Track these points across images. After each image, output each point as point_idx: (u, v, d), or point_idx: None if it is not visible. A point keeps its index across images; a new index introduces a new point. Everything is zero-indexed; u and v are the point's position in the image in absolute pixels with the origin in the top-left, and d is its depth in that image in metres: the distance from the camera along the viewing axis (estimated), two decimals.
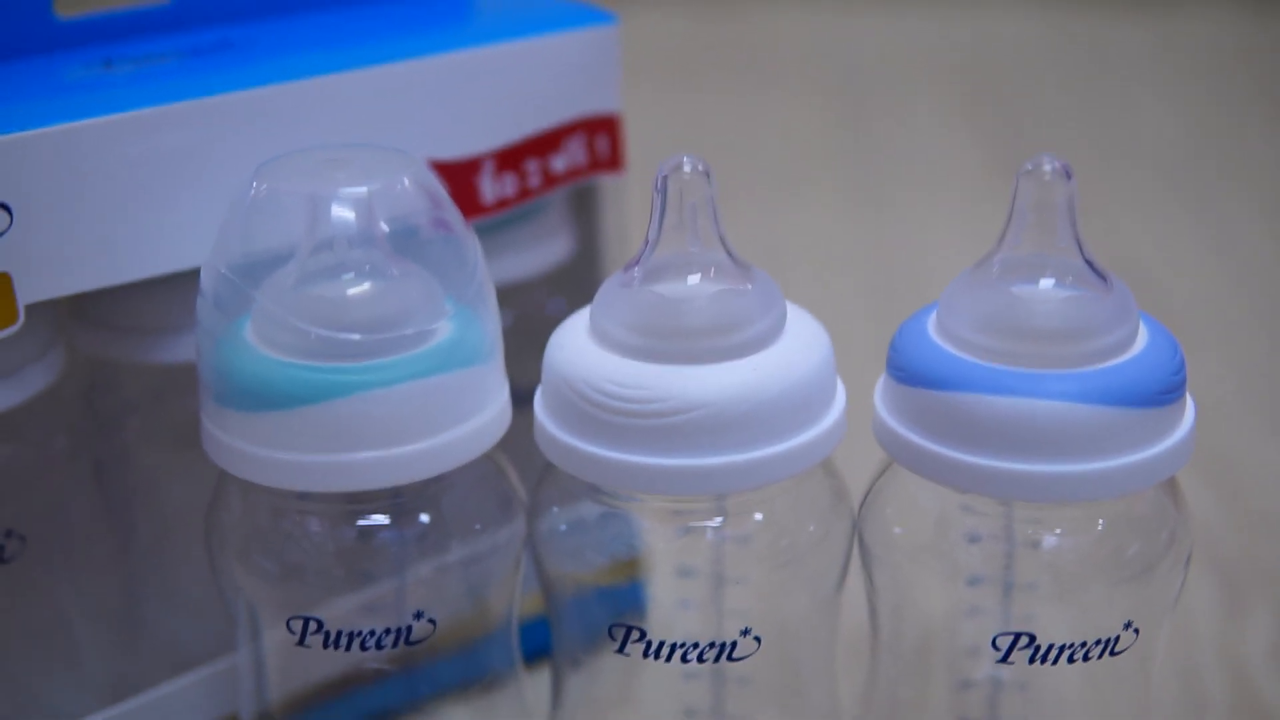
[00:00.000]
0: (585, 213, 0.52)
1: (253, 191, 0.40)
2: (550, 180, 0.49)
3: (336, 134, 0.44)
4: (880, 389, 0.41)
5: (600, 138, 0.49)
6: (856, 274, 0.82)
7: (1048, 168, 0.38)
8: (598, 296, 0.40)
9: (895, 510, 0.42)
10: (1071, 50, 1.17)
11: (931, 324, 0.40)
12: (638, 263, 0.40)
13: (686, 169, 0.39)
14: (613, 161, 0.50)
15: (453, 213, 0.41)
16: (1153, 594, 0.41)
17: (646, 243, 0.40)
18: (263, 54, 0.46)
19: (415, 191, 0.40)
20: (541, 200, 0.49)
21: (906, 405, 0.39)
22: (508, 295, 0.50)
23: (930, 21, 1.22)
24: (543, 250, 0.51)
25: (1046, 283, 0.39)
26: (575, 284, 0.51)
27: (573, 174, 0.49)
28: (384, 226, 0.39)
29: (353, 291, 0.39)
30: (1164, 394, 0.38)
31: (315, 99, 0.44)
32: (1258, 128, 1.02)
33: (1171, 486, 0.41)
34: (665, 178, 0.39)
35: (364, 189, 0.39)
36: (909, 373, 0.39)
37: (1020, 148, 0.98)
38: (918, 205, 0.91)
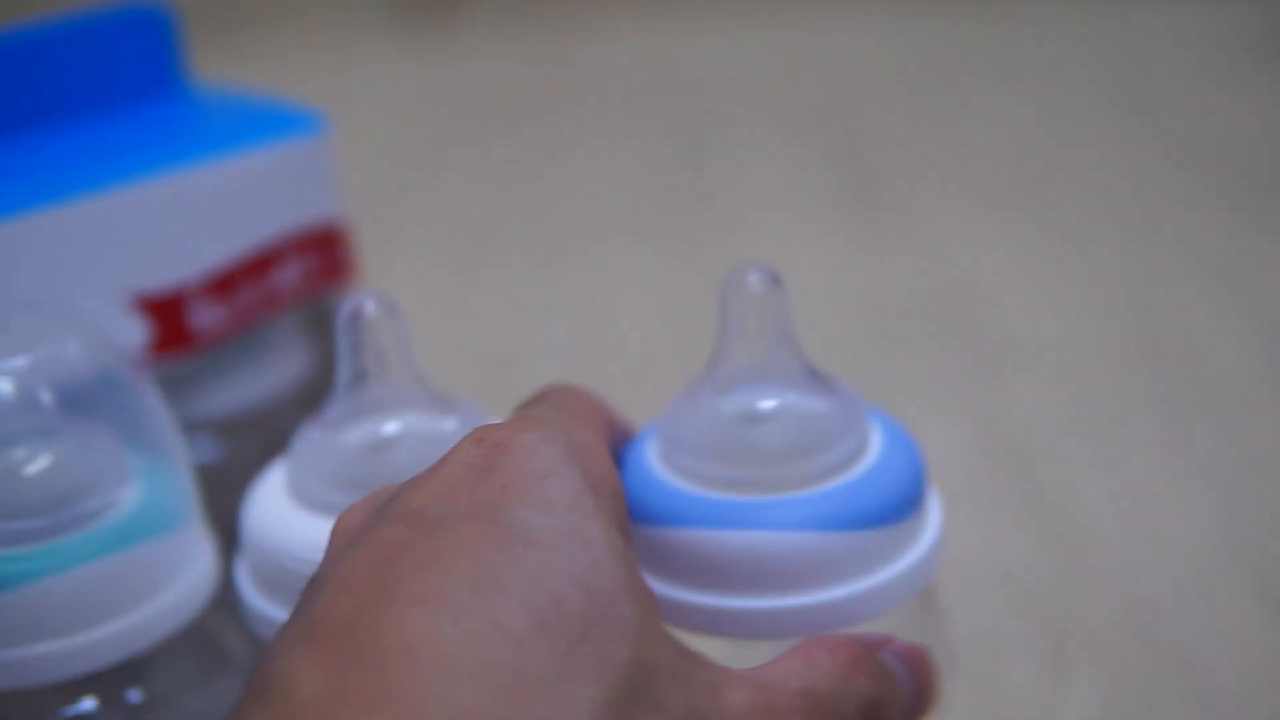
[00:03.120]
0: (316, 322, 0.49)
1: None
2: (272, 302, 0.45)
3: (29, 276, 0.41)
4: None
5: (320, 251, 0.46)
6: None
7: (753, 279, 0.35)
8: (293, 450, 0.37)
9: None
10: (911, 54, 1.16)
11: (652, 450, 0.37)
12: (332, 406, 0.37)
13: (369, 310, 0.36)
14: (340, 271, 0.47)
15: (126, 368, 0.38)
16: None
17: (336, 389, 0.36)
18: None
19: (84, 353, 0.37)
20: (266, 323, 0.46)
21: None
22: (255, 420, 0.47)
23: (772, 31, 1.20)
24: (277, 369, 0.48)
25: (765, 399, 0.36)
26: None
27: (296, 293, 0.46)
28: (47, 397, 0.36)
29: (25, 472, 0.36)
30: (900, 508, 0.35)
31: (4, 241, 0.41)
32: (1097, 124, 1.00)
33: (925, 593, 0.38)
34: (350, 318, 0.36)
35: (25, 360, 0.36)
36: (630, 509, 0.36)
37: (864, 164, 0.96)
38: (759, 237, 0.88)
